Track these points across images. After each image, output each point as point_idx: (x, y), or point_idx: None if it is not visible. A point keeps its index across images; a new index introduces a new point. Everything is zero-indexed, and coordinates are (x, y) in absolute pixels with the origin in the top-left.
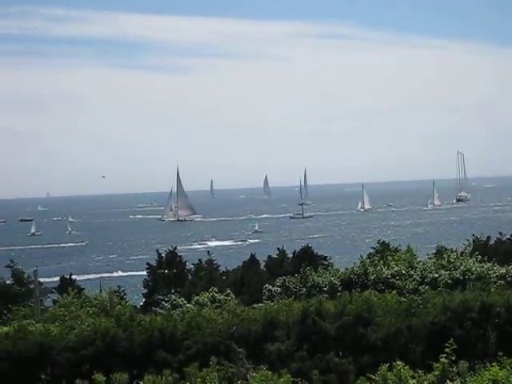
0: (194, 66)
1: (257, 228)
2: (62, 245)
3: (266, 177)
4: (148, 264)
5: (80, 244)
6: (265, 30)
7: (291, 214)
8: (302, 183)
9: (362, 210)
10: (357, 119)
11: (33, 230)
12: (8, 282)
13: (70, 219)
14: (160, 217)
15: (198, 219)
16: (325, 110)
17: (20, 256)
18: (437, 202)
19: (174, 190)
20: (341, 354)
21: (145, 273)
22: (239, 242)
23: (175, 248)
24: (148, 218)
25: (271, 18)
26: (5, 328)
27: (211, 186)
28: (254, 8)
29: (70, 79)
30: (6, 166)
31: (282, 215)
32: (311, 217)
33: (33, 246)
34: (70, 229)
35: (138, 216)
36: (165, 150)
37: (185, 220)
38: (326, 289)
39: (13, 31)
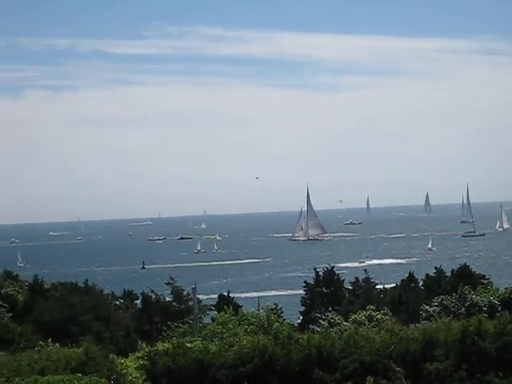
0: (345, 83)
1: (430, 246)
2: (245, 261)
3: (427, 194)
4: (305, 282)
5: (264, 260)
6: (413, 46)
7: (463, 232)
8: (465, 200)
9: (501, 229)
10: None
11: (198, 247)
12: (168, 299)
13: (218, 238)
14: (290, 236)
15: (327, 238)
16: (479, 124)
17: (188, 273)
18: None
19: (304, 209)
20: (501, 374)
21: (302, 291)
22: (400, 260)
23: (333, 266)
24: (278, 236)
25: (419, 34)
26: (165, 344)
27: (367, 204)
28: (402, 25)
29: (228, 98)
30: (165, 188)
31: (452, 233)
32: (483, 235)
33: (215, 263)
34: (216, 247)
35: (275, 235)
36: (319, 165)
37: (315, 239)
38: (485, 308)
39: (170, 51)
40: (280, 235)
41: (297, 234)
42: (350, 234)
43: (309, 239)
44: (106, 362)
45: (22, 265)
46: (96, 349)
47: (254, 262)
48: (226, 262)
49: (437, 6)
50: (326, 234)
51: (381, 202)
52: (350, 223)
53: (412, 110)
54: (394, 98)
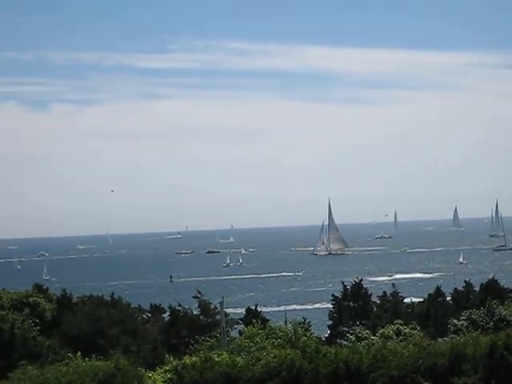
0: (374, 97)
1: (461, 260)
2: (278, 274)
3: (456, 208)
4: (333, 296)
5: (298, 273)
6: (442, 60)
7: (494, 246)
8: (494, 214)
9: None
10: None
11: (227, 261)
12: (195, 312)
13: (243, 251)
14: (312, 250)
15: (349, 252)
16: (504, 139)
17: (216, 286)
18: None
19: (326, 223)
20: None
21: (330, 305)
22: (431, 274)
23: (361, 280)
24: (301, 250)
25: (442, 48)
26: (192, 358)
27: (395, 218)
28: (427, 39)
29: (254, 112)
30: (191, 201)
31: (483, 247)
32: None
33: (245, 276)
34: (241, 260)
35: (299, 248)
36: (341, 178)
37: (336, 254)
38: None
39: (196, 65)
40: (302, 249)
41: (319, 248)
42: (376, 248)
43: (330, 253)
44: (136, 374)
45: (47, 278)
46: (126, 362)
47: (288, 276)
48: (259, 276)
49: (459, 21)
50: (351, 248)
51: (408, 216)
52: (381, 237)
53: (436, 124)
54: (418, 111)
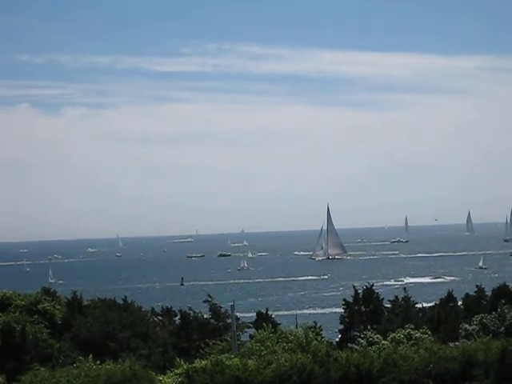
0: (389, 101)
1: (481, 264)
2: (304, 278)
3: (469, 213)
4: (344, 300)
5: (322, 277)
6: (451, 64)
7: (511, 251)
8: (509, 220)
9: None
10: None
11: (241, 265)
12: (206, 316)
13: (250, 255)
14: (311, 254)
15: (348, 258)
16: None
17: (227, 289)
18: None
19: (325, 228)
20: None
21: (341, 309)
22: (437, 279)
23: (372, 285)
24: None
25: (457, 52)
26: (203, 362)
27: (406, 223)
28: (441, 42)
29: (266, 116)
30: (202, 205)
31: (500, 251)
32: None
33: (257, 280)
34: (246, 265)
35: (302, 253)
36: (371, 185)
37: (334, 258)
38: None
39: (209, 69)
40: (302, 254)
41: (317, 253)
42: (384, 253)
43: (328, 258)
44: (148, 378)
45: (53, 281)
46: (139, 366)
47: (312, 279)
48: (272, 280)
49: (475, 24)
50: (346, 253)
51: (420, 220)
52: (398, 241)
53: (453, 129)
54: (434, 115)
